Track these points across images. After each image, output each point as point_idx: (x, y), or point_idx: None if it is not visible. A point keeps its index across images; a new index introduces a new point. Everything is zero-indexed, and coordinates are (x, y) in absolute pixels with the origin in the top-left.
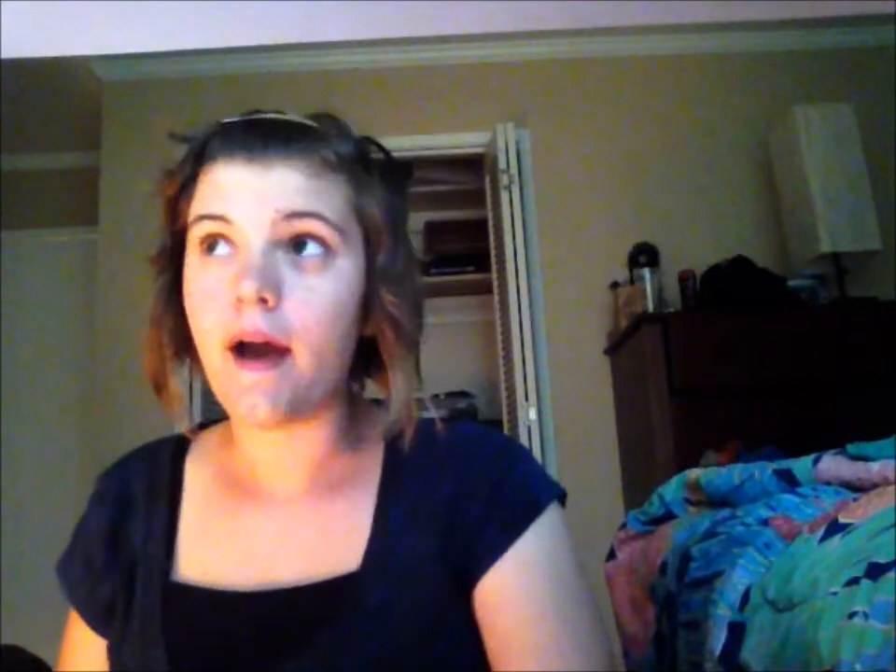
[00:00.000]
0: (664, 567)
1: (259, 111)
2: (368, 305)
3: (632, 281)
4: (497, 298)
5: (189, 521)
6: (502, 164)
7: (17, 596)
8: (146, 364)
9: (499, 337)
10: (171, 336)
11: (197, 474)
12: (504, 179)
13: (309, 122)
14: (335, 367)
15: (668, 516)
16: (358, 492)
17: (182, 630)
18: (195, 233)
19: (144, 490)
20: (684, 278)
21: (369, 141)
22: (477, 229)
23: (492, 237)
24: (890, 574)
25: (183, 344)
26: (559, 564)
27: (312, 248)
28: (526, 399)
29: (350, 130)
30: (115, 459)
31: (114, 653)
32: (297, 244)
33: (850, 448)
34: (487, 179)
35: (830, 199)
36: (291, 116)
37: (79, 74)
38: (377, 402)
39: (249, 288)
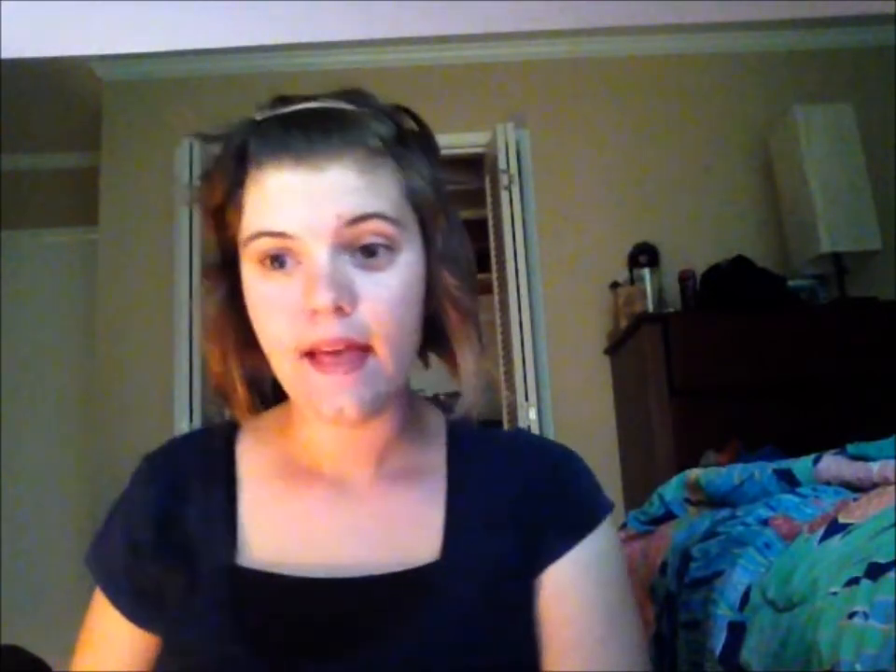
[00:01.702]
0: (664, 567)
1: (287, 98)
2: (430, 287)
3: (632, 281)
4: (496, 298)
5: (250, 506)
6: (502, 164)
7: (17, 596)
8: (212, 376)
9: (499, 337)
10: (235, 346)
11: (252, 460)
12: (504, 179)
13: (345, 106)
14: (410, 354)
15: (668, 516)
16: (426, 483)
17: (252, 615)
18: (254, 248)
19: (198, 475)
20: (684, 278)
21: (399, 109)
22: (477, 229)
23: (492, 237)
24: (890, 574)
25: (247, 350)
26: (611, 570)
27: (376, 248)
28: (526, 399)
29: (382, 104)
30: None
31: (170, 640)
32: (361, 244)
33: (850, 448)
34: (487, 179)
35: (830, 199)
36: (325, 101)
37: (79, 74)
38: (429, 399)
39: (326, 300)
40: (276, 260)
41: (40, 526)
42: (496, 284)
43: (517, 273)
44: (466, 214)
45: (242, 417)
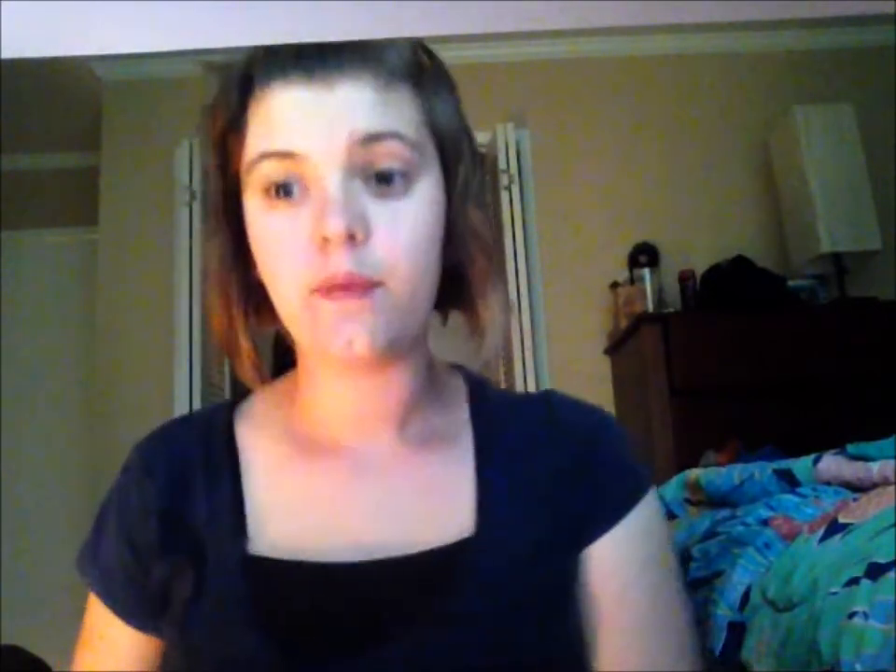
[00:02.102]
0: None
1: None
2: (450, 227)
3: (632, 281)
4: None
5: (258, 488)
6: (502, 164)
7: (17, 596)
8: (213, 326)
9: None
10: (239, 292)
11: (255, 439)
12: (504, 179)
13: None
14: (426, 296)
15: (668, 516)
16: (452, 449)
17: (269, 607)
18: (258, 174)
19: (200, 460)
20: (684, 278)
21: (417, 45)
22: None
23: None
24: (890, 574)
25: (251, 298)
26: (657, 543)
27: (392, 172)
28: None
29: (399, 39)
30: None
31: (179, 639)
32: (375, 169)
33: (850, 448)
34: (487, 179)
35: (830, 199)
36: None
37: (79, 74)
38: (455, 368)
39: (338, 227)
40: (282, 189)
41: (40, 526)
42: None
43: (517, 273)
44: None
45: (247, 377)
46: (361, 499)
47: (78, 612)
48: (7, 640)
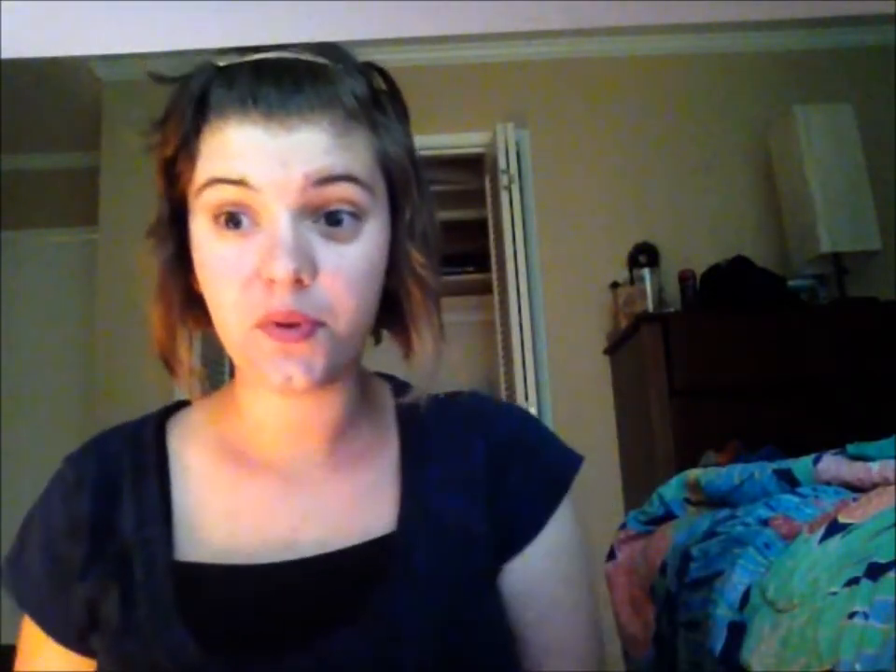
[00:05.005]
0: (664, 567)
1: (257, 49)
2: (392, 260)
3: (632, 281)
4: (496, 298)
5: (189, 498)
6: (502, 164)
7: None
8: (154, 339)
9: (499, 337)
10: (180, 307)
11: (188, 450)
12: (504, 179)
13: (320, 60)
14: (365, 328)
15: (668, 516)
16: (380, 461)
17: (202, 611)
18: (207, 198)
19: (128, 472)
20: (684, 278)
21: (371, 67)
22: (477, 229)
23: (492, 237)
24: (890, 574)
25: (192, 312)
26: (579, 539)
27: (343, 215)
28: (526, 399)
29: (354, 58)
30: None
31: (112, 649)
32: (326, 210)
33: (850, 448)
34: (487, 179)
35: (830, 199)
36: (297, 52)
37: (79, 74)
38: (380, 375)
39: (286, 271)
40: (232, 220)
41: None
42: (496, 284)
43: (517, 273)
44: (466, 214)
45: (186, 389)
46: (289, 511)
47: None
48: (6, 640)
